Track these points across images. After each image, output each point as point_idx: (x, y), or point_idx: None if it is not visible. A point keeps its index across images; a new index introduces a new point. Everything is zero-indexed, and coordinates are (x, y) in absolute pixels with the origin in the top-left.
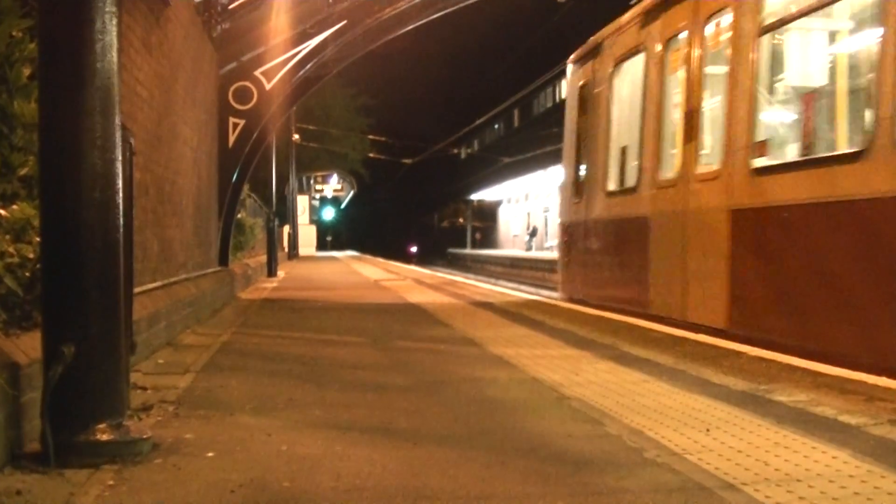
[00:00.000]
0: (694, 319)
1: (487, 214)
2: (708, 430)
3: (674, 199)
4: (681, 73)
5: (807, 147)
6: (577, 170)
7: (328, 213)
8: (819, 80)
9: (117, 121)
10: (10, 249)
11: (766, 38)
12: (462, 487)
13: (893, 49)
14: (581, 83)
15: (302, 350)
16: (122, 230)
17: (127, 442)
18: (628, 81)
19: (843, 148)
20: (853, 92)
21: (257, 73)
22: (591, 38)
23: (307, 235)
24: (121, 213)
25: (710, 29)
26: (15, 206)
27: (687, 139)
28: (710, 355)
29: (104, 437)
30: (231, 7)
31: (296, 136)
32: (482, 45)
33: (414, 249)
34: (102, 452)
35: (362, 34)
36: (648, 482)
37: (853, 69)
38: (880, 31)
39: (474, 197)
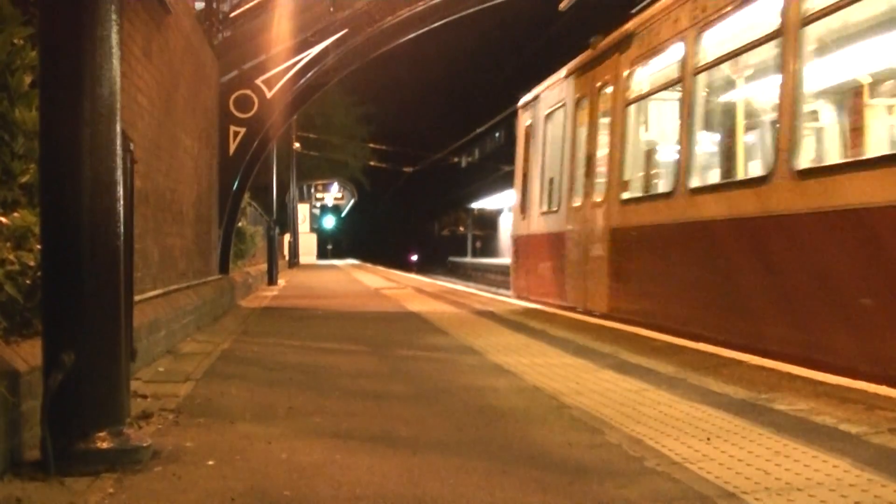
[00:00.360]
0: (591, 308)
1: (488, 223)
2: (708, 439)
3: (579, 219)
4: (583, 126)
5: (646, 188)
6: (522, 193)
7: (329, 222)
8: (659, 138)
9: (118, 128)
10: (11, 257)
11: (632, 106)
12: (462, 496)
13: (687, 129)
14: (526, 124)
15: (302, 358)
16: (122, 238)
17: (127, 450)
18: (555, 127)
19: (666, 189)
20: (676, 149)
21: (258, 81)
22: (533, 90)
23: (308, 244)
24: (121, 220)
25: (601, 96)
26: (16, 214)
27: (587, 175)
28: (711, 364)
29: (104, 445)
30: (232, 15)
31: (297, 145)
32: (483, 54)
33: (414, 258)
34: (102, 460)
35: (363, 42)
36: (649, 491)
37: (673, 134)
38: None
39: (475, 205)
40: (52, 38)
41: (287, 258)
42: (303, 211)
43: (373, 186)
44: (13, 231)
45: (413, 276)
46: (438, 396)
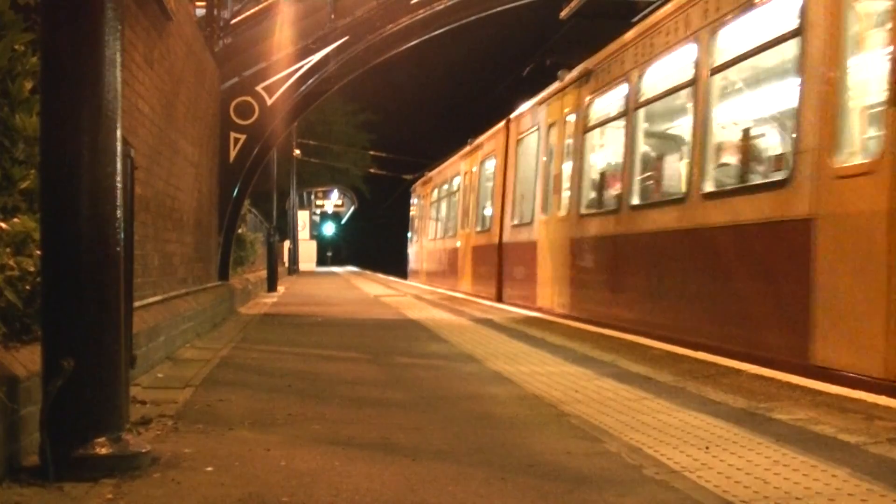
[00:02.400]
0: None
1: None
2: (707, 448)
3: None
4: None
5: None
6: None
7: (328, 229)
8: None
9: (118, 135)
10: (11, 262)
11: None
12: None
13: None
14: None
15: (301, 365)
16: (122, 244)
17: (126, 456)
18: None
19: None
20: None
21: (259, 88)
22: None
23: (307, 251)
24: (121, 227)
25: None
26: (16, 220)
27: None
28: (710, 373)
29: (103, 451)
30: (233, 22)
31: (297, 152)
32: (485, 62)
33: None
34: (101, 466)
35: (364, 50)
36: (647, 499)
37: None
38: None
39: None
40: (54, 44)
41: (287, 265)
42: (303, 218)
43: (373, 194)
44: (13, 237)
45: (412, 283)
46: (437, 404)
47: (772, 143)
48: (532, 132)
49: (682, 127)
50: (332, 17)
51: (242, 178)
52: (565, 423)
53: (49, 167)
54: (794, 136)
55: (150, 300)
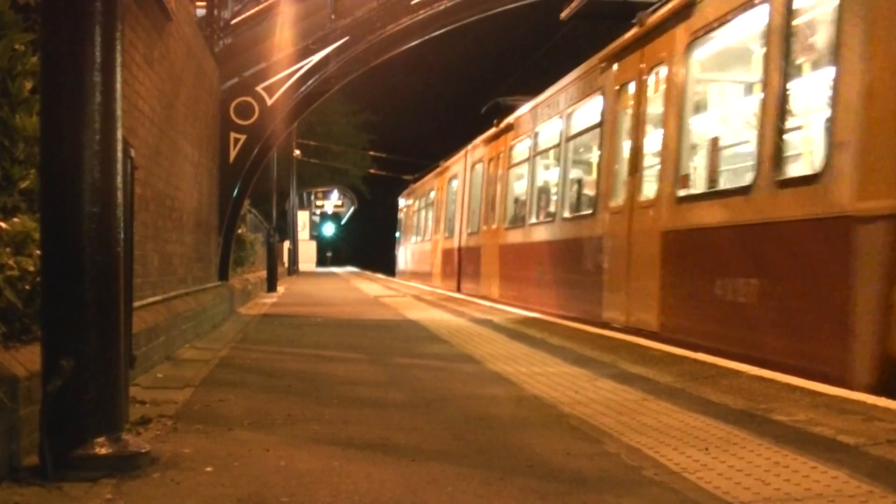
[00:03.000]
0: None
1: None
2: (707, 449)
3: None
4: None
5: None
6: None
7: (328, 229)
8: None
9: (118, 135)
10: (11, 262)
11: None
12: None
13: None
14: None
15: (301, 366)
16: (122, 244)
17: (125, 456)
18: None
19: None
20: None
21: (259, 88)
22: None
23: (307, 251)
24: (121, 227)
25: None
26: (16, 219)
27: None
28: (710, 374)
29: (102, 451)
30: (233, 23)
31: (297, 152)
32: (486, 63)
33: None
34: (101, 466)
35: (365, 50)
36: (647, 501)
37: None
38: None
39: None
40: (54, 44)
41: (286, 265)
42: (302, 218)
43: (373, 194)
44: (13, 236)
45: (399, 280)
46: (437, 405)
47: (590, 191)
48: (479, 162)
49: (554, 173)
50: (333, 17)
51: (242, 178)
52: (565, 424)
53: (49, 167)
54: (597, 188)
55: (150, 300)
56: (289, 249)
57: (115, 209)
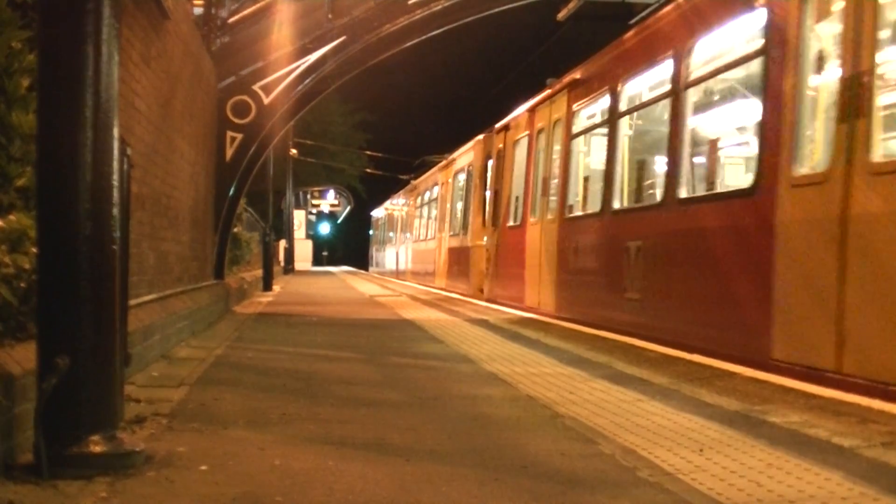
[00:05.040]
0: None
1: None
2: (701, 450)
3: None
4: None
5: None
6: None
7: (324, 228)
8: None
9: (115, 133)
10: (6, 260)
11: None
12: None
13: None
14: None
15: (296, 365)
16: (118, 242)
17: (120, 454)
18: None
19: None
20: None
21: (256, 87)
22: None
23: (303, 250)
24: (118, 225)
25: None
26: (11, 217)
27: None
28: (705, 375)
29: (97, 449)
30: (230, 21)
31: (293, 151)
32: (483, 63)
33: None
34: (95, 464)
35: (362, 50)
36: (641, 502)
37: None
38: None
39: None
40: (51, 42)
41: (282, 264)
42: (299, 217)
43: (369, 194)
44: (9, 234)
45: (408, 283)
46: (432, 404)
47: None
48: (436, 186)
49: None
50: (330, 16)
51: (239, 176)
52: (560, 425)
53: (45, 165)
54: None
55: (146, 298)
56: (285, 248)
57: (112, 207)
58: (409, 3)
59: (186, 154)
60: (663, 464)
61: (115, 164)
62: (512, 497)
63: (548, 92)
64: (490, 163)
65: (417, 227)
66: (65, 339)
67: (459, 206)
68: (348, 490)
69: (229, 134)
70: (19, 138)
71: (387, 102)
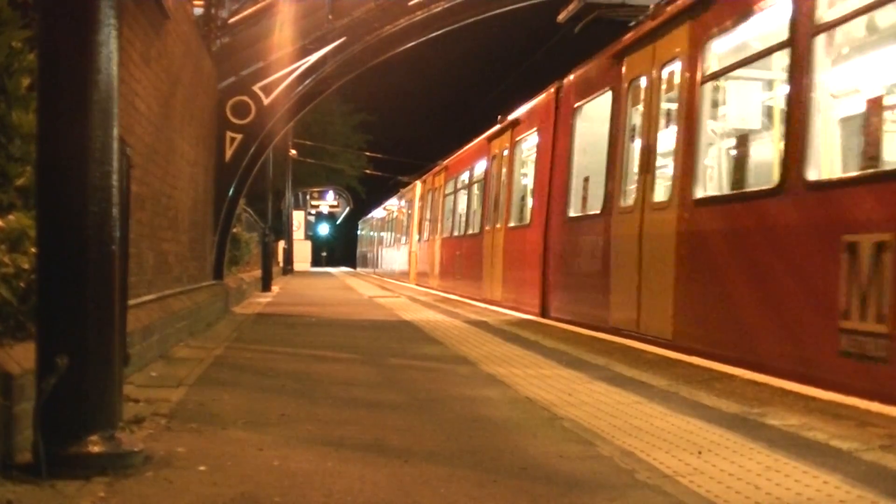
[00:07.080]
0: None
1: None
2: (700, 453)
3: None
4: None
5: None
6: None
7: (324, 229)
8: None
9: (115, 133)
10: (6, 259)
11: (449, 196)
12: None
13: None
14: (405, 202)
15: (295, 365)
16: (117, 242)
17: (119, 454)
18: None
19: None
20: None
21: (256, 87)
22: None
23: (302, 251)
24: (117, 225)
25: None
26: (11, 217)
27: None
28: (703, 378)
29: (96, 449)
30: (231, 22)
31: (293, 152)
32: (483, 64)
33: None
34: (94, 464)
35: (362, 51)
36: None
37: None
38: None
39: None
40: (51, 42)
41: (281, 265)
42: (298, 218)
43: (369, 195)
44: (8, 234)
45: (407, 284)
46: (431, 406)
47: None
48: (414, 193)
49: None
50: (330, 17)
51: (238, 177)
52: (558, 427)
53: (45, 164)
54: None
55: (145, 298)
56: (284, 249)
57: (112, 207)
58: (410, 4)
59: (186, 154)
60: (662, 466)
61: (115, 164)
62: (510, 499)
63: (436, 168)
64: (417, 204)
65: (386, 239)
66: (64, 339)
67: (405, 225)
68: (347, 491)
69: (229, 134)
70: (19, 138)
71: (387, 103)
